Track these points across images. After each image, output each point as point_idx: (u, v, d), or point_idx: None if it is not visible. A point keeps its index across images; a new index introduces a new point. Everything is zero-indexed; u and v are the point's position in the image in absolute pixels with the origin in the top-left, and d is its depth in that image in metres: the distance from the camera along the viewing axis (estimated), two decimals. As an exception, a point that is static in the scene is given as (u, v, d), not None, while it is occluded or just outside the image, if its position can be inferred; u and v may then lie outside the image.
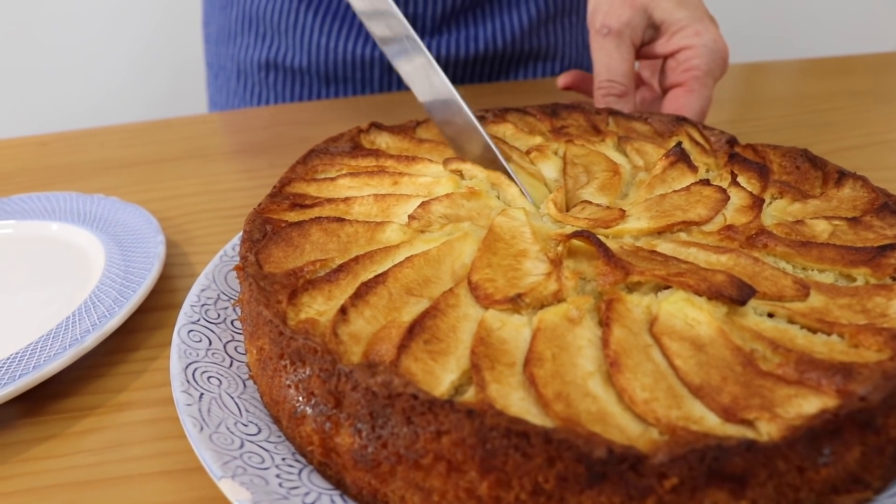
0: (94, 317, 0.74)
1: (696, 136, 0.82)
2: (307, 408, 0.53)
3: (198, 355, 0.65)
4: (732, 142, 0.81)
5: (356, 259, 0.60)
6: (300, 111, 1.40)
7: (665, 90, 1.00)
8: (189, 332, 0.67)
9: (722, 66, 0.97)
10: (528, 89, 1.44)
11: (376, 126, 0.85)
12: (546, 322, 0.53)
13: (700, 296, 0.54)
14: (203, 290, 0.73)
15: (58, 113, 2.40)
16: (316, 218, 0.66)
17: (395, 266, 0.59)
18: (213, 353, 0.66)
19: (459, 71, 1.45)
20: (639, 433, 0.45)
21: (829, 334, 0.53)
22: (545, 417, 0.46)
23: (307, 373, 0.52)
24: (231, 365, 0.65)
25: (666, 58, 1.00)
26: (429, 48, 1.24)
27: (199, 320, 0.69)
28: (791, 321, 0.54)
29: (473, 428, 0.44)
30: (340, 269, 0.60)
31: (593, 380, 0.49)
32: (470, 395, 0.48)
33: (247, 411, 0.59)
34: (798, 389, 0.46)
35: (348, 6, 1.34)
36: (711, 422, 0.45)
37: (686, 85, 0.95)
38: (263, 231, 0.66)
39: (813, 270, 0.60)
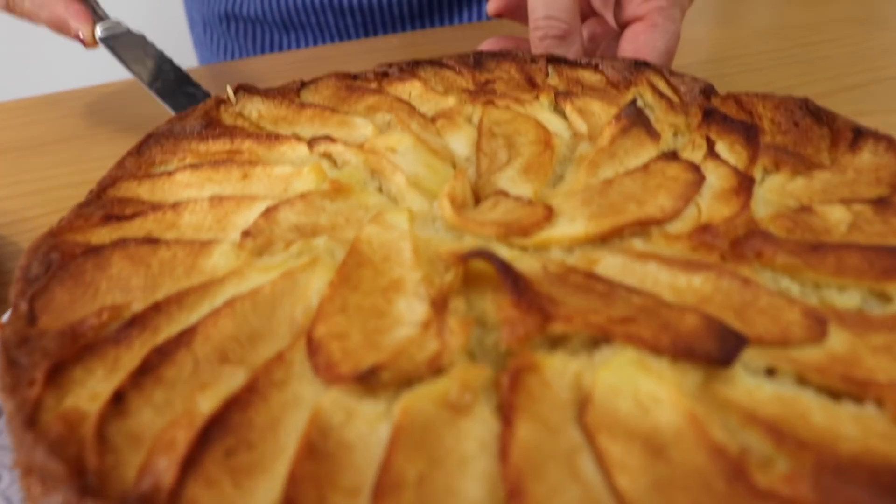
0: None
1: (661, 85, 0.62)
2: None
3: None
4: (708, 91, 0.60)
5: (157, 306, 0.41)
6: (232, 68, 1.24)
7: (622, 26, 0.79)
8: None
9: None
10: (474, 32, 1.26)
11: (245, 90, 0.65)
12: (413, 413, 0.33)
13: (660, 355, 0.34)
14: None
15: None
16: (120, 241, 0.46)
17: (208, 315, 0.40)
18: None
19: (416, 10, 1.36)
20: None
21: (860, 401, 0.34)
22: None
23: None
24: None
25: None
26: None
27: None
28: (802, 381, 0.35)
29: None
30: (133, 322, 0.40)
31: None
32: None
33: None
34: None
35: None
36: None
37: (648, 18, 0.75)
38: (47, 263, 0.46)
39: (830, 288, 0.40)
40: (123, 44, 0.93)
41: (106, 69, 1.63)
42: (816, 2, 1.30)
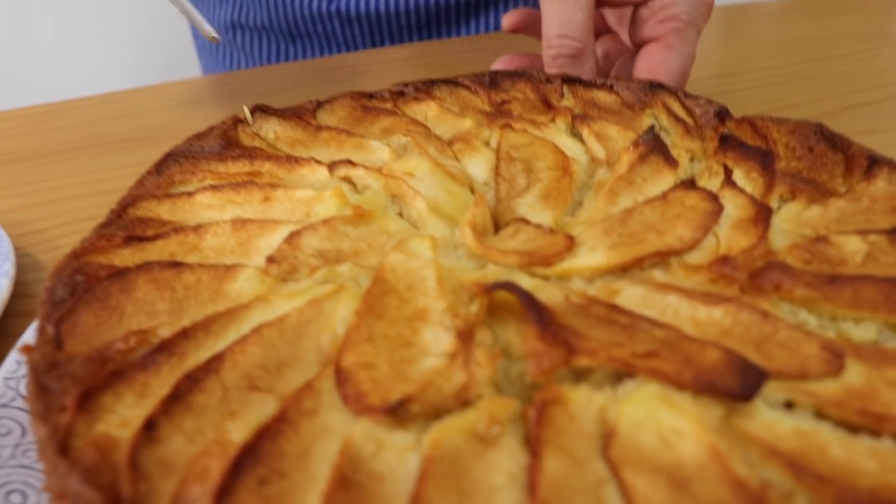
0: None
1: (677, 108, 0.63)
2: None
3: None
4: (723, 114, 0.61)
5: (185, 332, 0.42)
6: (239, 78, 1.24)
7: (637, 45, 0.80)
8: (-7, 421, 0.49)
9: (706, 14, 0.79)
10: (486, 44, 1.27)
11: (262, 110, 0.66)
12: (442, 445, 0.34)
13: (682, 390, 0.35)
14: (27, 355, 0.54)
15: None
16: (145, 264, 0.47)
17: (236, 342, 0.40)
18: (25, 451, 0.48)
19: (424, 19, 1.34)
20: None
21: (877, 435, 0.35)
22: None
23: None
24: (45, 466, 0.47)
25: (637, 5, 0.80)
26: None
27: (12, 400, 0.51)
28: (820, 414, 0.36)
29: None
30: (161, 347, 0.41)
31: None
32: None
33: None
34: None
35: None
36: None
37: (663, 39, 0.76)
38: (72, 286, 0.47)
39: (847, 320, 0.41)
40: None
41: (111, 78, 1.64)
42: (827, 14, 1.30)
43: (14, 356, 0.54)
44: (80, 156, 1.02)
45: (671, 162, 0.53)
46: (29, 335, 0.56)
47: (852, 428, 0.35)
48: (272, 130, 0.65)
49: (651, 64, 0.76)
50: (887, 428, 0.34)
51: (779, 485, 0.32)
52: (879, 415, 0.35)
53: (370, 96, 0.69)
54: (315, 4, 1.31)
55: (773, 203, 0.51)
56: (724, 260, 0.43)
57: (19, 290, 0.69)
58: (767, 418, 0.35)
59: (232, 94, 1.16)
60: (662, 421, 0.34)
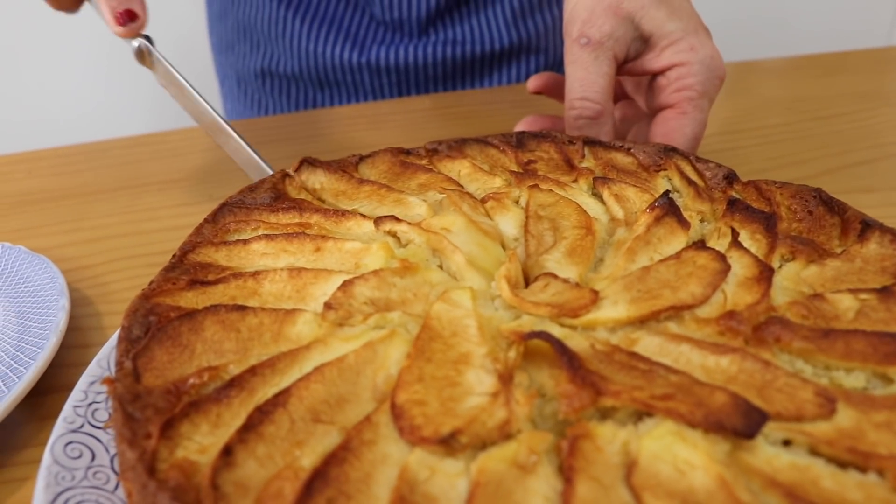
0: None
1: (688, 170, 0.69)
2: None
3: (73, 478, 0.52)
4: (731, 177, 0.67)
5: (253, 369, 0.47)
6: (265, 124, 1.30)
7: (653, 111, 0.86)
8: (66, 445, 0.54)
9: (718, 85, 0.84)
10: (507, 96, 1.34)
11: (309, 163, 0.72)
12: (488, 472, 0.39)
13: (694, 427, 0.40)
14: (93, 384, 0.59)
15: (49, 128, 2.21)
16: (212, 307, 0.52)
17: (301, 379, 0.46)
18: (96, 473, 0.53)
19: (449, 71, 1.40)
20: None
21: (863, 471, 0.40)
22: None
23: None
24: (117, 487, 0.52)
25: (655, 75, 0.86)
26: (414, 51, 1.35)
27: (81, 426, 0.56)
28: (814, 451, 0.41)
29: None
30: (233, 383, 0.46)
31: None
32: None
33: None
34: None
35: (334, 13, 1.35)
36: None
37: (678, 107, 0.82)
38: (147, 325, 0.53)
39: (839, 370, 0.47)
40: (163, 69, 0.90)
41: (143, 121, 1.69)
42: (827, 73, 1.35)
43: (81, 386, 0.59)
44: (120, 195, 1.07)
45: (684, 224, 0.59)
46: (93, 368, 0.61)
47: (842, 464, 0.40)
48: (318, 181, 0.71)
49: (667, 129, 0.81)
50: (872, 464, 0.40)
51: (777, 510, 0.37)
52: (866, 453, 0.40)
53: (408, 153, 0.75)
54: (346, 56, 1.36)
55: (775, 263, 0.56)
56: (730, 314, 0.49)
57: (71, 323, 0.73)
58: (768, 453, 0.41)
59: (261, 138, 1.21)
60: (677, 454, 0.39)
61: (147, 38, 0.88)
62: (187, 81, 0.88)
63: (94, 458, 0.54)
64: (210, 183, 1.09)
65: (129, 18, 0.84)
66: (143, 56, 0.88)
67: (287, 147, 1.17)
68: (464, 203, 0.63)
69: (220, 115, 0.87)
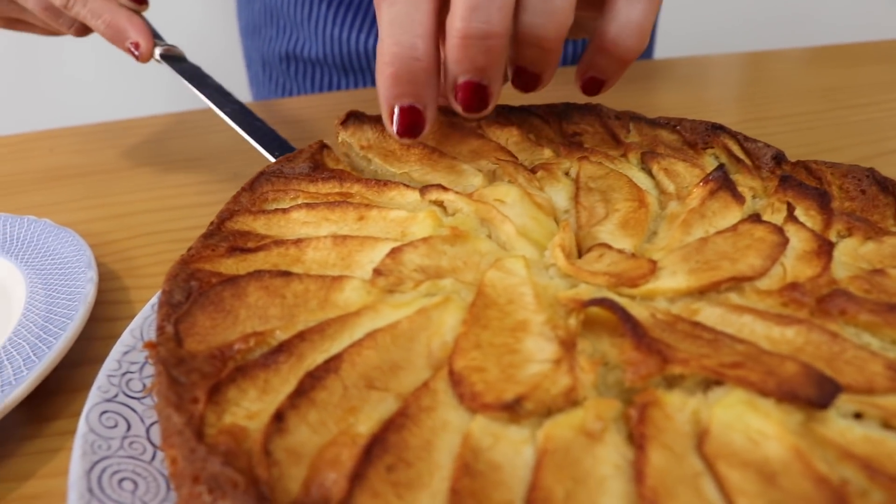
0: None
1: (736, 149, 0.67)
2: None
3: (109, 448, 0.50)
4: (779, 158, 0.66)
5: (301, 335, 0.46)
6: (289, 105, 1.28)
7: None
8: (102, 414, 0.53)
9: None
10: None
11: (356, 116, 0.70)
12: (555, 440, 0.38)
13: (766, 396, 0.39)
14: (126, 353, 0.58)
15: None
16: (256, 272, 0.51)
17: (352, 345, 0.44)
18: (132, 443, 0.52)
19: None
20: None
21: (939, 447, 0.38)
22: None
23: (228, 510, 0.38)
24: (154, 458, 0.51)
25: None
26: None
27: (116, 396, 0.55)
28: (887, 425, 0.40)
29: None
30: (281, 348, 0.45)
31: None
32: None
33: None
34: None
35: None
36: None
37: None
38: (188, 290, 0.51)
39: (903, 344, 0.45)
40: (184, 69, 0.96)
41: (164, 100, 1.69)
42: (857, 63, 1.33)
43: (114, 356, 0.58)
44: (145, 172, 1.06)
45: (738, 198, 0.57)
46: (126, 337, 0.60)
47: (915, 439, 0.39)
48: (365, 138, 0.68)
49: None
50: (946, 439, 0.38)
51: (856, 482, 0.36)
52: (939, 428, 0.39)
53: (455, 113, 0.69)
54: (372, 42, 1.35)
55: (832, 238, 0.55)
56: (793, 286, 0.47)
57: (98, 297, 0.72)
58: (840, 426, 0.39)
59: (286, 118, 1.20)
60: (749, 423, 0.38)
61: (169, 49, 0.96)
62: (202, 93, 0.93)
63: (129, 427, 0.53)
64: (233, 162, 1.08)
65: (136, 48, 0.92)
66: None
67: (309, 127, 1.17)
68: (519, 175, 0.61)
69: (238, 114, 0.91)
